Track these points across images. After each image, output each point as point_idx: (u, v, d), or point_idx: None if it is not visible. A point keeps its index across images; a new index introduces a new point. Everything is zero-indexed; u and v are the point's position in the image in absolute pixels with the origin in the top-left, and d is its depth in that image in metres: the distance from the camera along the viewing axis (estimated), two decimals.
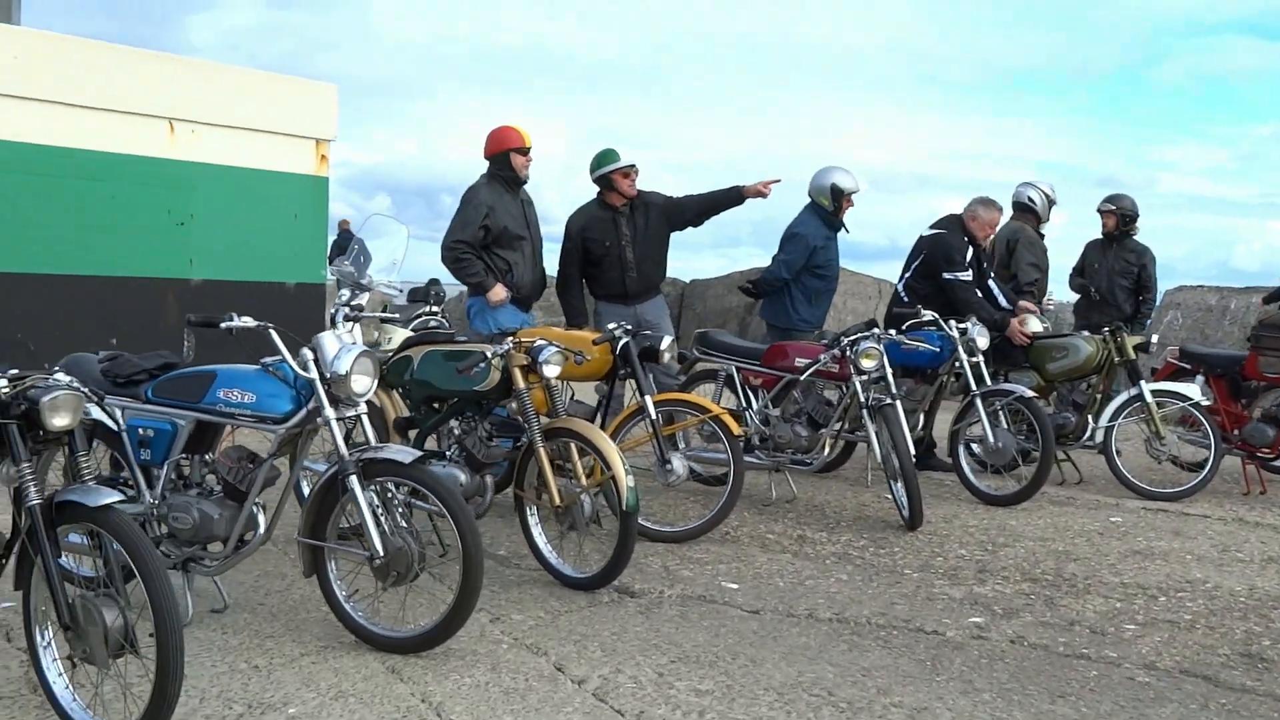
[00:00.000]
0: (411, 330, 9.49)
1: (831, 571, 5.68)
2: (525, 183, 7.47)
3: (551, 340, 5.43)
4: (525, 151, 7.38)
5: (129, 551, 3.25)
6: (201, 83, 11.13)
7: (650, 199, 7.73)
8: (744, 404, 7.17)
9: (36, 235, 9.98)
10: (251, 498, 4.33)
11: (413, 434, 5.70)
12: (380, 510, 4.28)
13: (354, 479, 4.21)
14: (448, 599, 4.31)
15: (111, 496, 3.32)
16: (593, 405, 6.46)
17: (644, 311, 7.70)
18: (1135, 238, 9.43)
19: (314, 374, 4.23)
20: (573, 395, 6.49)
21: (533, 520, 5.38)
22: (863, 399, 6.59)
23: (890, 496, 6.71)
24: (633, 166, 7.64)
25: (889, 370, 6.65)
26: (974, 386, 7.42)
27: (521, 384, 5.29)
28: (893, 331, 6.90)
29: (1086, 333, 8.26)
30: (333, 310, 4.96)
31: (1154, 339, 8.31)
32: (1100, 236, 9.53)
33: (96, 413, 4.52)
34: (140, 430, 4.46)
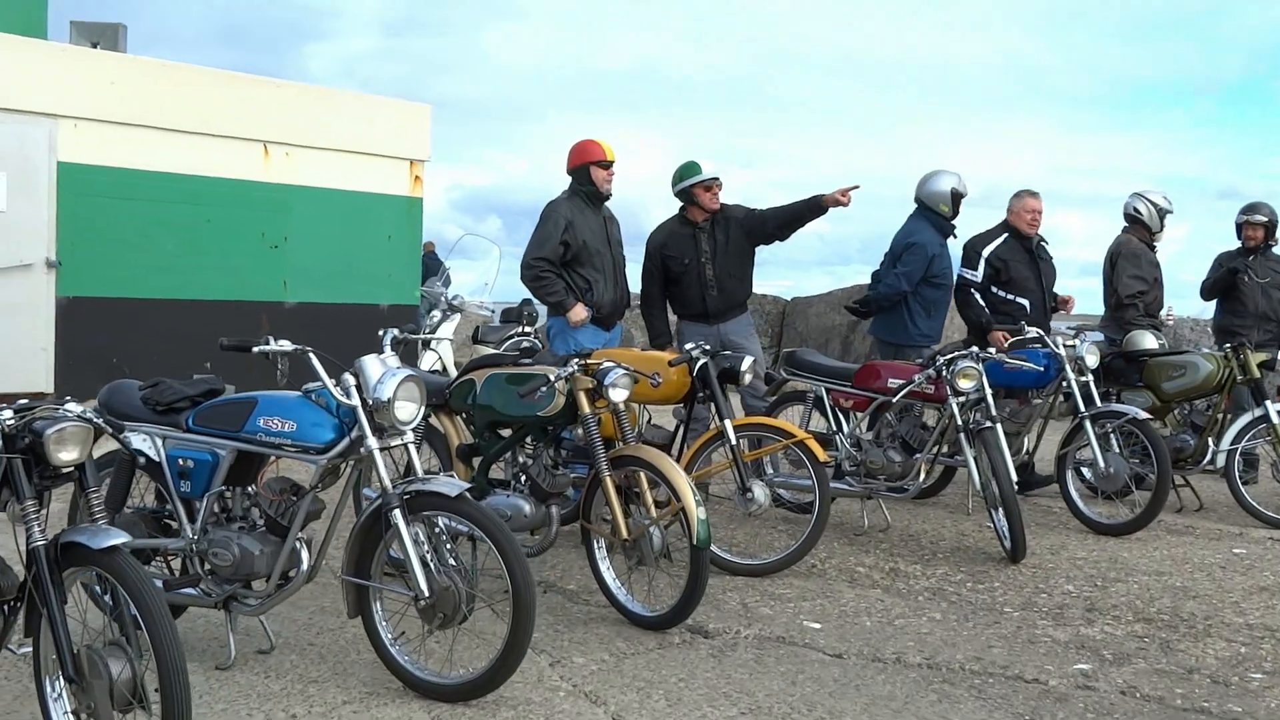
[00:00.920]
0: (504, 352, 9.27)
1: (924, 610, 5.26)
2: (607, 198, 7.20)
3: (620, 362, 5.12)
4: (607, 165, 7.11)
5: (132, 598, 3.01)
6: (295, 105, 11.13)
7: (731, 213, 7.40)
8: (834, 427, 6.78)
9: (134, 260, 10.04)
10: (294, 532, 4.09)
11: (477, 462, 5.42)
12: (426, 548, 4.01)
13: (398, 514, 3.94)
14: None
15: (118, 538, 3.09)
16: (670, 430, 6.13)
17: (728, 331, 7.35)
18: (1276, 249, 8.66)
19: (355, 401, 3.99)
20: (649, 419, 6.18)
21: (600, 554, 5.07)
22: (960, 422, 6.16)
23: (991, 525, 6.25)
24: (715, 179, 7.31)
25: (988, 391, 6.20)
26: (1083, 408, 6.91)
27: (587, 409, 4.99)
28: (992, 350, 6.44)
29: (1206, 350, 7.68)
30: (380, 333, 4.71)
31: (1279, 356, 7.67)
32: (1238, 248, 8.67)
33: (137, 442, 4.36)
34: (180, 460, 4.25)
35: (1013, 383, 7.05)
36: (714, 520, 6.65)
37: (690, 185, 7.26)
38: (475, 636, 4.49)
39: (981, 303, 7.90)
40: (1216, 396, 7.43)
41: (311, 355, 4.09)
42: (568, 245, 6.90)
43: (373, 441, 3.99)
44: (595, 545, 5.07)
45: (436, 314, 11.95)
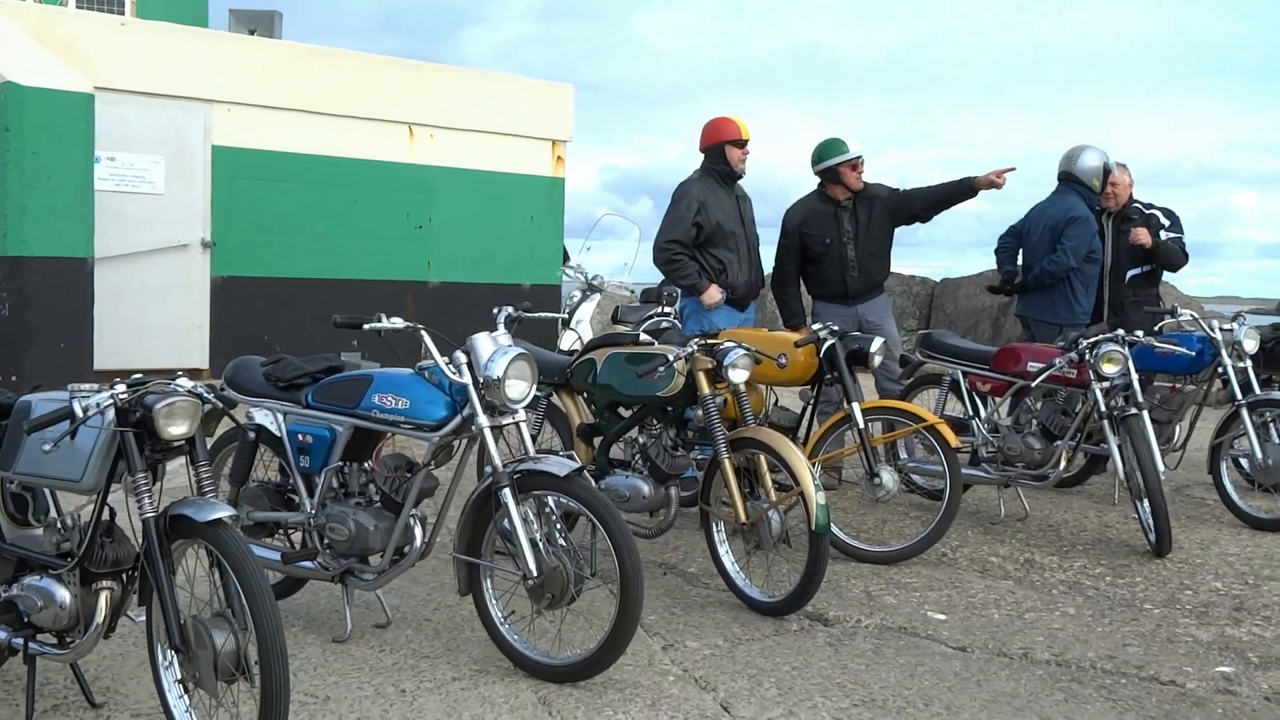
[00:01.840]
0: (644, 333, 9.23)
1: (1058, 604, 5.03)
2: (741, 177, 7.08)
3: (742, 343, 5.01)
4: (742, 144, 6.98)
5: (234, 570, 3.05)
6: (439, 87, 11.28)
7: (874, 191, 7.20)
8: (971, 412, 6.55)
9: (284, 241, 10.32)
10: (408, 509, 4.12)
11: (598, 442, 5.39)
12: (536, 526, 3.98)
13: (507, 492, 3.92)
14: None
15: (223, 511, 3.13)
16: (798, 412, 6.01)
17: (865, 312, 7.17)
18: None
19: (467, 379, 3.98)
20: (776, 401, 6.05)
21: (719, 537, 4.98)
22: (1104, 408, 5.87)
23: (1137, 517, 5.96)
24: (859, 158, 7.13)
25: (1134, 375, 5.90)
26: (1240, 395, 6.53)
27: (706, 389, 4.90)
28: (1140, 332, 6.12)
29: None
30: (495, 311, 4.69)
31: None
32: None
33: (260, 417, 4.44)
34: (300, 436, 4.32)
35: (1165, 368, 6.72)
36: (844, 506, 6.55)
37: (835, 164, 7.09)
38: (589, 618, 4.46)
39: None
40: None
41: (424, 333, 4.10)
42: (700, 227, 6.80)
43: (484, 419, 3.97)
44: (714, 529, 4.98)
45: (576, 294, 12.03)
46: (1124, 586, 5.30)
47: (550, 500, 4.02)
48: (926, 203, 7.17)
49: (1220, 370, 6.63)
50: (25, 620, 3.37)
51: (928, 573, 5.46)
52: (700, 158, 7.04)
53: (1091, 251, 7.46)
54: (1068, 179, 7.60)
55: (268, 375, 4.43)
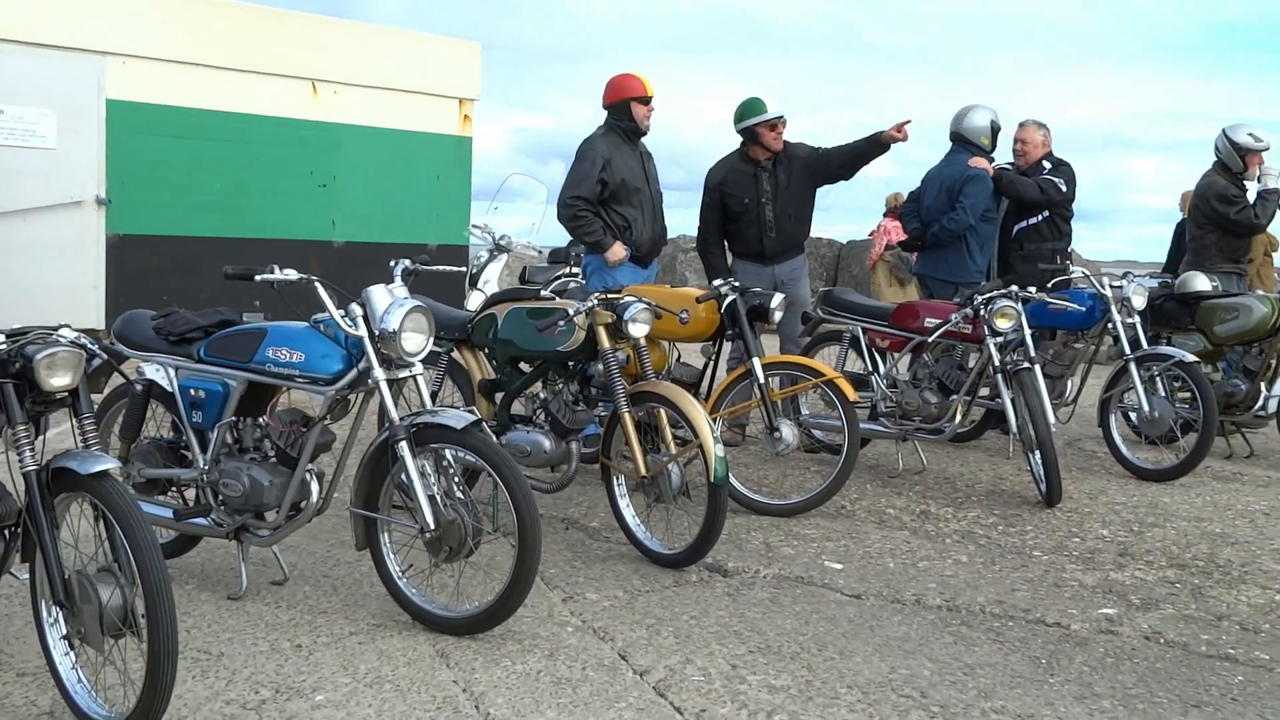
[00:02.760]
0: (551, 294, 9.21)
1: (950, 552, 5.15)
2: (645, 134, 7.06)
3: (642, 298, 5.03)
4: (646, 101, 6.95)
5: (119, 522, 2.99)
6: (344, 43, 11.07)
7: (795, 152, 7.25)
8: (870, 368, 6.65)
9: (183, 198, 10.09)
10: (303, 463, 4.08)
11: (500, 398, 5.38)
12: (433, 480, 3.97)
13: (404, 446, 3.91)
14: None
15: (108, 463, 3.07)
16: (699, 368, 6.05)
17: (782, 272, 7.25)
18: None
19: (362, 331, 3.94)
20: (679, 357, 6.09)
21: (620, 491, 5.00)
22: (998, 363, 6.00)
23: (1029, 469, 6.11)
24: (780, 118, 7.17)
25: (1027, 331, 6.04)
26: (1129, 350, 6.71)
27: (606, 344, 4.91)
28: (1032, 289, 6.26)
29: (1261, 292, 7.41)
30: (391, 263, 4.64)
31: None
32: None
33: (151, 372, 4.36)
34: (192, 391, 4.24)
35: (1057, 324, 6.88)
36: (745, 460, 6.62)
37: (754, 124, 7.12)
38: (489, 572, 4.47)
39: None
40: (1270, 340, 7.16)
41: (318, 284, 4.04)
42: (605, 183, 6.78)
43: (379, 373, 3.95)
44: (615, 482, 5.00)
45: (484, 254, 11.95)
46: (1015, 535, 5.44)
47: (448, 454, 4.01)
48: (843, 160, 7.24)
49: (1110, 326, 6.81)
50: None
51: (826, 524, 5.55)
52: (604, 114, 7.01)
53: (987, 210, 7.59)
54: (958, 139, 7.72)
55: (158, 329, 4.35)
